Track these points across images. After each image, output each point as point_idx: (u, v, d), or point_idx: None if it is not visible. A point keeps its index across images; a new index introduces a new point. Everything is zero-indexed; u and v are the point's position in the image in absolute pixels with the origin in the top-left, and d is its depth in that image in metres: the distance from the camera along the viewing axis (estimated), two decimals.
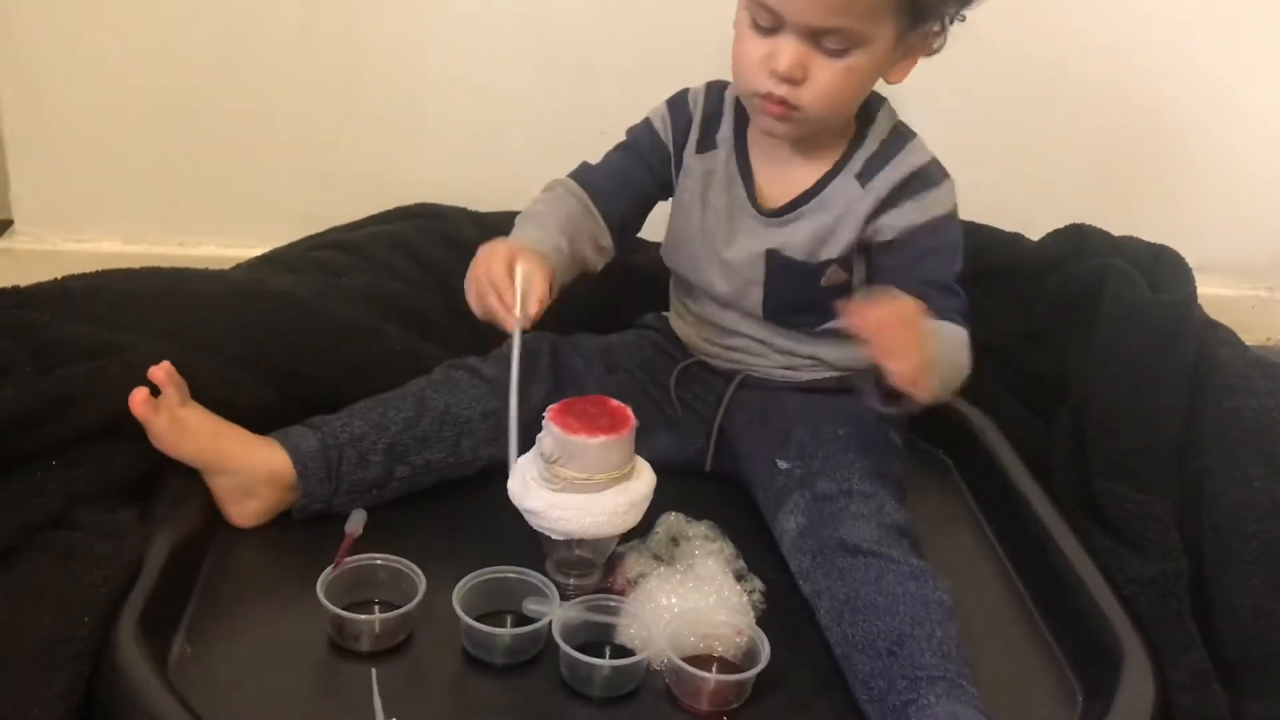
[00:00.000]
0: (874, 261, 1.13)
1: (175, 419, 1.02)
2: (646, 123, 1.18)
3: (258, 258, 1.40)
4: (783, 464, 1.11)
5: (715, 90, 1.17)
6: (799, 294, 1.14)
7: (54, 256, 1.61)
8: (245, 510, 1.05)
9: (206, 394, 1.07)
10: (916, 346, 0.91)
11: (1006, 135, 1.63)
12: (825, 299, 1.10)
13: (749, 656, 0.94)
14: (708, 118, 1.16)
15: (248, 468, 1.04)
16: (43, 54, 1.55)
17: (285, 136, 1.62)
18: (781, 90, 1.03)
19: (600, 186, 1.16)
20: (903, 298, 0.96)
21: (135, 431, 1.02)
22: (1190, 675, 0.92)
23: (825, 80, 1.02)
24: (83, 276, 1.19)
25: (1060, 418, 1.21)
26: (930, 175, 1.11)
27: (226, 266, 1.34)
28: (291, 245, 1.42)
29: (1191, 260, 1.44)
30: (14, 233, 1.66)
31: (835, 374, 1.18)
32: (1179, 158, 1.72)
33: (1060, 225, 1.53)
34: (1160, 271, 1.40)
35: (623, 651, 0.94)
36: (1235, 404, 1.17)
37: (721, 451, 1.20)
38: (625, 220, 1.18)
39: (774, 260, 1.12)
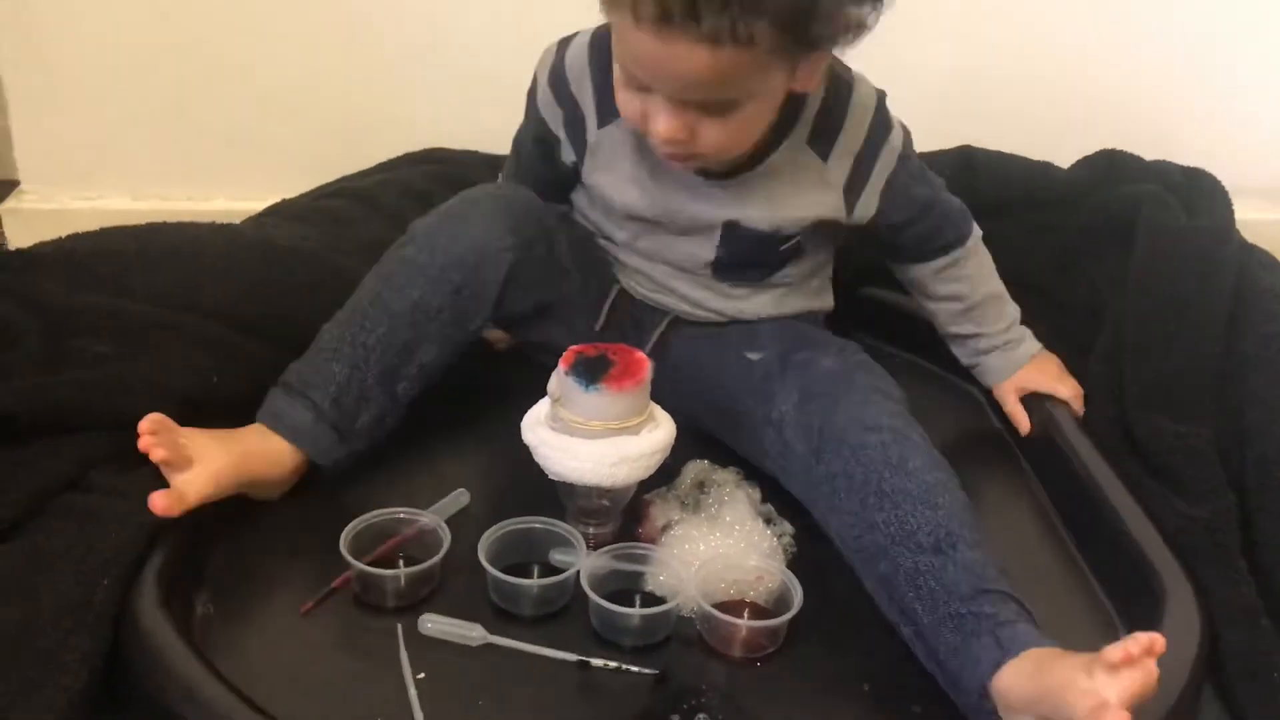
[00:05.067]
0: (873, 228, 1.08)
1: (197, 485, 0.91)
2: (539, 117, 1.08)
3: (266, 210, 1.37)
4: (753, 355, 1.06)
5: (597, 51, 1.02)
6: (754, 258, 1.08)
7: (62, 215, 1.59)
8: (274, 496, 1.02)
9: (214, 360, 1.05)
10: (1071, 386, 1.14)
11: (1032, 61, 1.57)
12: (780, 258, 1.08)
13: (781, 601, 0.92)
14: (600, 90, 1.02)
15: (276, 480, 1.00)
16: (45, 8, 1.52)
17: (293, 84, 1.58)
18: (668, 149, 0.93)
19: (538, 192, 1.11)
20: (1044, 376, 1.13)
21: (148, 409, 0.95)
22: (1239, 610, 0.90)
23: (714, 136, 0.91)
24: (87, 236, 1.16)
25: (1096, 348, 1.18)
26: (882, 115, 1.03)
27: (238, 220, 1.32)
28: (300, 196, 1.40)
29: (1228, 183, 1.39)
30: (21, 192, 1.64)
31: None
32: (1213, 77, 1.66)
33: (1091, 151, 1.49)
34: (1196, 196, 1.36)
35: (652, 600, 0.93)
36: (1277, 330, 1.14)
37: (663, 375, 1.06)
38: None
39: (731, 231, 1.05)
